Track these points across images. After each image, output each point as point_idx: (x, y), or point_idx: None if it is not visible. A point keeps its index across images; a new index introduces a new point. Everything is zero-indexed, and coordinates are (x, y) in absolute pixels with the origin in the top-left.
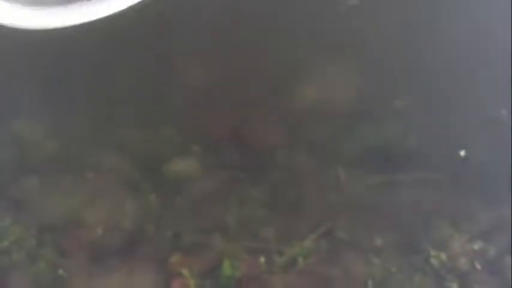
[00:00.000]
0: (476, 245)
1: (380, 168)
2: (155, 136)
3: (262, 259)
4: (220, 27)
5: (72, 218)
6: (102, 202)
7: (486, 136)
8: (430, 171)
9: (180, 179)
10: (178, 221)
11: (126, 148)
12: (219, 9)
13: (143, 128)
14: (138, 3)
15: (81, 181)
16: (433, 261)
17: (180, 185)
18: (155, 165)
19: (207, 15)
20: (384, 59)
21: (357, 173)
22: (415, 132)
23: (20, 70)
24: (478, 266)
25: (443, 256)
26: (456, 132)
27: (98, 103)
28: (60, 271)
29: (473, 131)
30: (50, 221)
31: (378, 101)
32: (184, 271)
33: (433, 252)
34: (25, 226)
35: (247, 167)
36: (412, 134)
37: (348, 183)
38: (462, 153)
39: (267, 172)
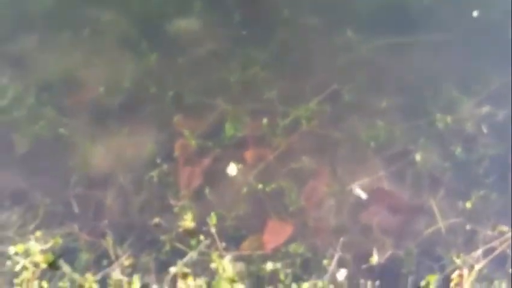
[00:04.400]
0: (484, 109)
1: (390, 29)
2: None
3: (265, 121)
4: None
5: (71, 76)
6: (101, 61)
7: None
8: (442, 32)
9: (182, 38)
10: (180, 81)
11: (125, 5)
12: None
13: None
14: None
15: (79, 38)
16: (439, 124)
17: (182, 45)
18: (156, 23)
19: None
20: None
21: (367, 33)
22: None
23: None
24: (485, 130)
25: (449, 119)
26: None
27: None
28: (61, 130)
29: None
30: (48, 79)
31: None
32: (186, 132)
33: (439, 116)
34: (24, 84)
35: (252, 26)
36: None
37: (356, 44)
38: (475, 13)
39: (272, 31)
